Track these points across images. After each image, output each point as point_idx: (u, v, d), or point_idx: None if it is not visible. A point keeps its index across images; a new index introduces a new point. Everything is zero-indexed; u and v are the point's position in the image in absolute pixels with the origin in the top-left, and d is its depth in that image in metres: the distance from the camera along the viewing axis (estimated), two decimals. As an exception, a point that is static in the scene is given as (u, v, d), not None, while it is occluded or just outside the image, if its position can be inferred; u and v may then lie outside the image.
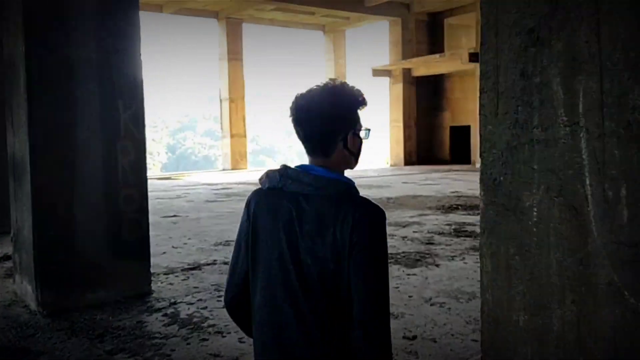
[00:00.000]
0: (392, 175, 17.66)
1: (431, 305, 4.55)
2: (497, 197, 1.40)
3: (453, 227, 7.95)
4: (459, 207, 9.59)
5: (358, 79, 25.51)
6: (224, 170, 21.92)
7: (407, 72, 21.73)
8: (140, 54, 5.02)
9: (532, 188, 1.31)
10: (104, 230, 4.84)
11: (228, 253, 6.59)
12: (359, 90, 1.57)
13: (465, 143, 21.89)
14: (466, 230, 7.66)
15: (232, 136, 21.84)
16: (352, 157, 1.57)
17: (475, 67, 18.78)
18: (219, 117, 22.89)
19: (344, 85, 1.55)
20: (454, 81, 22.31)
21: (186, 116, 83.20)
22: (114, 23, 4.80)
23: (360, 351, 1.42)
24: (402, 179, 15.84)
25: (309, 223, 1.47)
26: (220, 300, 4.78)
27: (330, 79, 1.62)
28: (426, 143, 22.32)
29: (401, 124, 21.75)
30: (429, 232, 7.61)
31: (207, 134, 76.51)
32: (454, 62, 20.06)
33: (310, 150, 1.56)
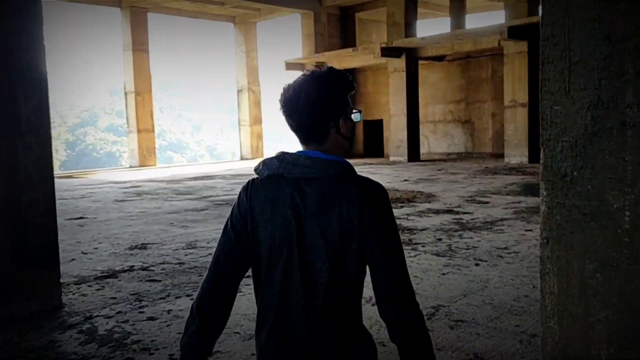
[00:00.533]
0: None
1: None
2: (568, 197, 1.09)
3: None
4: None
5: (272, 72, 25.03)
6: (131, 167, 20.73)
7: (320, 66, 21.52)
8: (42, 38, 4.36)
9: (623, 186, 1.00)
10: (5, 239, 4.17)
11: (146, 258, 6.02)
12: (345, 75, 1.56)
13: (378, 137, 22.11)
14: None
15: (139, 131, 20.69)
16: (346, 141, 1.57)
17: (388, 61, 18.92)
18: (124, 111, 21.62)
19: (329, 71, 1.55)
20: (366, 75, 22.42)
21: (86, 111, 78.69)
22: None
23: (392, 321, 1.44)
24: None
25: (313, 205, 1.47)
26: (143, 312, 4.29)
27: (317, 66, 1.62)
28: (340, 137, 22.26)
29: (315, 118, 21.55)
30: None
31: (110, 130, 72.84)
32: (366, 57, 20.12)
33: (303, 140, 1.56)
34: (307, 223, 1.48)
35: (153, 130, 21.25)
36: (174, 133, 79.49)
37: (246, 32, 23.81)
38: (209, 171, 17.88)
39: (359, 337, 1.50)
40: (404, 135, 18.78)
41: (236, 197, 1.59)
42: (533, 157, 16.02)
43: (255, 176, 1.58)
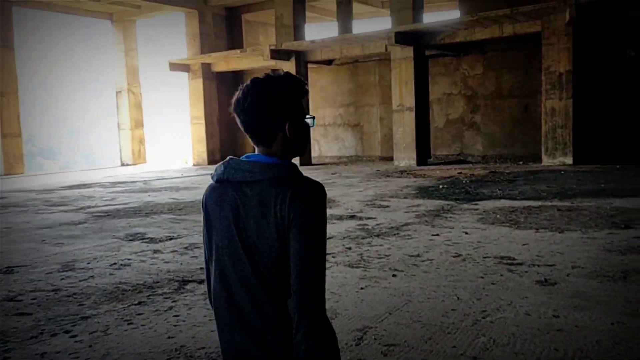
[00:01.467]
0: (198, 175, 16.50)
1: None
2: None
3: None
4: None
5: (156, 72, 23.55)
6: (-6, 176, 18.51)
7: (206, 67, 20.62)
8: None
9: None
10: None
11: (12, 285, 5.06)
12: (298, 80, 1.60)
13: (268, 140, 21.59)
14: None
15: (3, 136, 18.54)
16: (295, 145, 1.61)
17: (277, 64, 18.47)
18: (-14, 113, 19.28)
19: (282, 76, 1.59)
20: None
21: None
22: None
23: (294, 320, 1.49)
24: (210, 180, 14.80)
25: (253, 208, 1.54)
26: (9, 358, 3.46)
27: (273, 70, 1.71)
28: (229, 141, 21.48)
29: (203, 121, 20.58)
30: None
31: (-31, 135, 65.90)
32: (255, 59, 19.52)
33: (254, 141, 1.62)
34: (248, 225, 1.54)
35: (20, 135, 19.16)
36: (45, 138, 73.81)
37: (125, 30, 22.29)
38: (85, 179, 16.36)
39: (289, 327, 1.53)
40: (295, 139, 18.42)
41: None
42: (420, 159, 16.33)
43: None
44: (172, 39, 23.52)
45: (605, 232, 6.19)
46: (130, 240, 6.92)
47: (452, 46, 16.93)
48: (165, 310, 4.25)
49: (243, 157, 1.60)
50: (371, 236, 6.58)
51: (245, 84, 1.59)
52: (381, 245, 6.09)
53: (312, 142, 19.57)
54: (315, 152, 20.07)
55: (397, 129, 16.59)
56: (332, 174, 14.92)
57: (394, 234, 6.63)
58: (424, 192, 10.18)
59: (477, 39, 15.50)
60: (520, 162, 15.45)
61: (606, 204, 7.89)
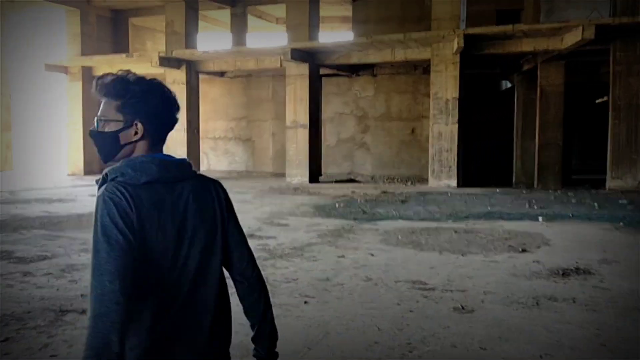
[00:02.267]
0: (74, 186, 15.08)
1: None
2: None
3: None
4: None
5: (31, 73, 21.31)
6: None
7: (87, 71, 19.11)
8: None
9: None
10: None
11: None
12: (96, 79, 1.61)
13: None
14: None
15: None
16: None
17: (166, 72, 17.55)
18: None
19: None
20: (140, 85, 20.59)
21: None
22: None
23: (254, 293, 1.79)
24: (89, 191, 13.54)
25: (191, 203, 1.61)
26: None
27: (126, 71, 1.66)
28: (110, 150, 20.00)
29: (80, 128, 18.99)
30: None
31: None
32: (143, 65, 18.29)
33: (162, 142, 1.73)
34: (190, 221, 1.60)
35: None
36: None
37: (-6, 24, 20.12)
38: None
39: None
40: (183, 150, 17.52)
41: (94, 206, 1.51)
42: (313, 177, 16.19)
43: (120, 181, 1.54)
44: (50, 37, 21.61)
45: (505, 255, 6.25)
46: (-6, 260, 5.92)
47: (346, 67, 17.08)
48: (39, 349, 3.52)
49: (146, 157, 1.58)
50: (274, 257, 6.15)
51: (163, 85, 1.65)
52: (286, 267, 5.68)
53: (201, 155, 18.74)
54: (203, 166, 19.25)
55: (290, 145, 16.33)
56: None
57: (298, 255, 6.26)
58: (322, 211, 9.93)
59: (371, 61, 15.74)
60: (408, 183, 15.80)
61: (498, 227, 8.09)
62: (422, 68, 16.88)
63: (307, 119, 16.11)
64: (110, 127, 1.59)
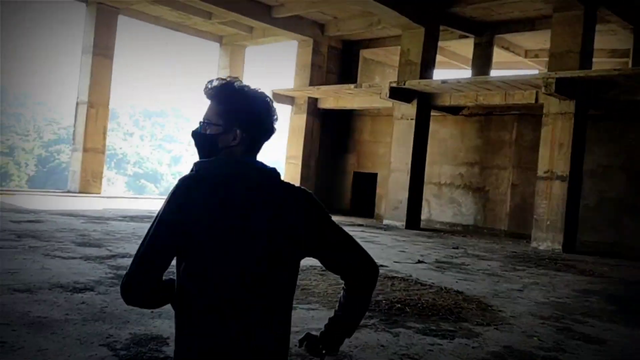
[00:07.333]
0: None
1: None
2: None
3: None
4: (406, 310, 5.19)
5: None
6: (69, 192, 16.25)
7: (312, 103, 17.64)
8: None
9: None
10: None
11: None
12: (207, 82, 1.63)
13: (369, 193, 18.06)
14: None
15: (85, 150, 16.31)
16: None
17: (394, 105, 15.10)
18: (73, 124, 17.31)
19: None
20: (364, 120, 18.56)
21: (64, 128, 73.52)
22: None
23: None
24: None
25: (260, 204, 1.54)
26: None
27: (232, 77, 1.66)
28: (325, 188, 18.17)
29: (299, 162, 17.46)
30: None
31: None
32: (368, 98, 16.31)
33: (258, 151, 1.66)
34: (257, 227, 1.52)
35: (103, 152, 16.91)
36: (152, 162, 75.05)
37: (233, 54, 19.94)
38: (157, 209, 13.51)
39: None
40: (404, 195, 14.76)
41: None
42: (568, 244, 12.10)
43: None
44: (273, 69, 20.72)
45: None
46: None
47: (621, 105, 12.80)
48: None
49: (231, 159, 1.59)
50: None
51: (266, 95, 1.63)
52: None
53: (423, 201, 15.77)
54: (424, 215, 16.20)
55: (540, 201, 12.50)
56: (454, 247, 11.03)
57: None
58: (629, 311, 6.09)
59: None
60: None
61: None
62: None
63: (567, 170, 12.19)
64: (211, 130, 1.59)
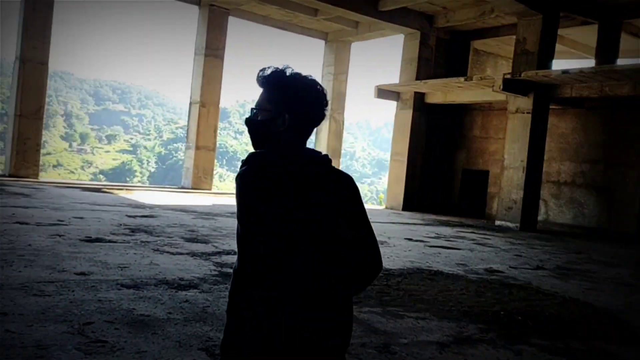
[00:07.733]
0: (389, 222, 12.80)
1: None
2: None
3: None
4: (527, 324, 4.64)
5: (357, 97, 20.77)
6: (182, 189, 17.00)
7: (419, 97, 17.04)
8: None
9: None
10: None
11: None
12: (259, 70, 1.68)
13: (480, 192, 17.14)
14: None
15: (197, 148, 17.00)
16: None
17: (509, 98, 14.15)
18: (187, 122, 18.10)
19: None
20: (473, 116, 17.65)
21: (181, 128, 78.17)
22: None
23: None
24: (402, 231, 10.99)
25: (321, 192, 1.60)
26: None
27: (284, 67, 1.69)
28: (432, 186, 17.52)
29: (405, 159, 16.95)
30: None
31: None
32: (480, 91, 15.43)
33: (309, 134, 1.70)
34: (305, 209, 1.57)
35: (214, 149, 17.49)
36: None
37: (338, 51, 19.83)
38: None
39: None
40: (518, 195, 13.79)
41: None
42: None
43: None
44: (378, 65, 20.24)
45: None
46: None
47: None
48: None
49: (285, 147, 1.64)
50: None
51: (317, 82, 1.66)
52: None
53: (540, 201, 14.65)
54: (540, 216, 15.06)
55: (679, 202, 11.07)
56: (576, 253, 10.05)
57: None
58: None
59: None
60: None
61: None
62: None
63: None
64: (262, 116, 1.64)
